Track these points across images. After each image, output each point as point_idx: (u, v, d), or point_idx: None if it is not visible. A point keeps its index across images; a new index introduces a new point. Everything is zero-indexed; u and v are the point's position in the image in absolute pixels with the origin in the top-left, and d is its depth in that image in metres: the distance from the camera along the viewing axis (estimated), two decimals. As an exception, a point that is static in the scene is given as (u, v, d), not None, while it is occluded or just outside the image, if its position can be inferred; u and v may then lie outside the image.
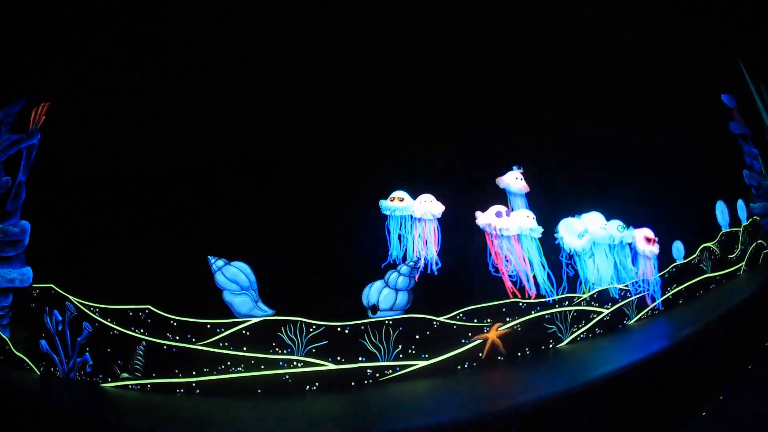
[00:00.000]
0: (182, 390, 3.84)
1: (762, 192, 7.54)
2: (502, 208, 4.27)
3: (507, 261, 4.13)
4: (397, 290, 4.08)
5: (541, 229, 4.41)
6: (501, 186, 4.58)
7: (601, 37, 5.73)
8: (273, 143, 4.12)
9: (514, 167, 4.59)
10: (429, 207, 4.16)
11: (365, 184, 4.20)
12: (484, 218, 4.26)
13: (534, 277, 4.33)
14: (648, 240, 4.80)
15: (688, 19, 7.08)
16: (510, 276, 4.20)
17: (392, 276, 4.10)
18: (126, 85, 4.40)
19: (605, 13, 5.90)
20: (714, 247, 6.11)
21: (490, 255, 4.23)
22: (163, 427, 3.35)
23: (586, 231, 4.31)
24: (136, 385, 3.93)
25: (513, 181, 4.55)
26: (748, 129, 7.57)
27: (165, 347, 3.90)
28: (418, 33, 4.63)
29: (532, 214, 4.43)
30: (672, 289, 5.40)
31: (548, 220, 4.62)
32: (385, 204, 4.20)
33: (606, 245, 4.64)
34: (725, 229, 6.40)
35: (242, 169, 4.09)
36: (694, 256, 5.82)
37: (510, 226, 4.17)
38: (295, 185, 4.13)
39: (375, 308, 4.05)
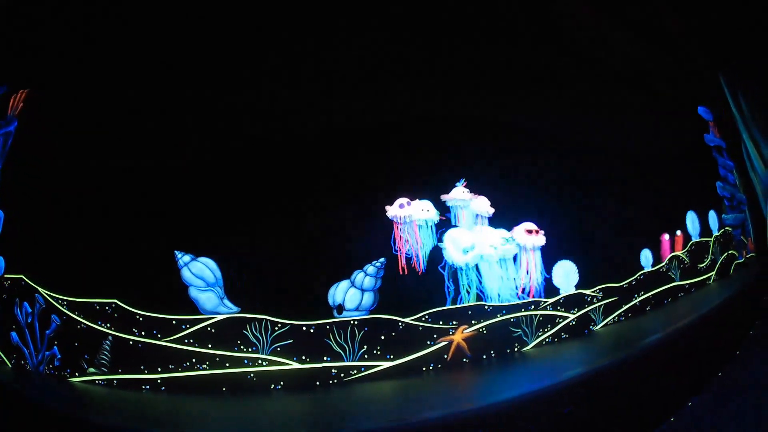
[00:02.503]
0: (147, 386, 3.82)
1: (735, 204, 7.69)
2: (404, 200, 4.61)
3: (406, 242, 4.52)
4: (363, 290, 4.12)
5: (436, 218, 4.66)
6: (448, 202, 4.76)
7: (580, 45, 5.82)
8: (242, 142, 4.14)
9: (458, 182, 4.80)
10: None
11: (333, 184, 4.23)
12: (391, 210, 4.59)
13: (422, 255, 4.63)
14: (529, 232, 4.77)
15: (668, 31, 7.20)
16: (407, 254, 4.53)
17: (358, 276, 4.14)
18: (103, 79, 4.38)
19: (585, 21, 5.98)
20: (683, 256, 6.23)
21: (395, 239, 4.55)
22: (128, 424, 3.32)
23: (473, 247, 4.43)
24: (102, 380, 3.91)
25: (460, 194, 4.74)
26: (723, 142, 7.73)
27: (131, 342, 3.87)
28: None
29: (430, 206, 4.67)
30: (639, 296, 5.50)
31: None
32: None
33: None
34: (695, 239, 6.53)
35: (211, 167, 4.11)
36: (663, 264, 5.93)
37: (411, 213, 4.57)
38: (262, 184, 4.15)
39: (341, 308, 4.08)
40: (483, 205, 4.81)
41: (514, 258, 4.74)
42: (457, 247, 4.49)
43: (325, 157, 4.36)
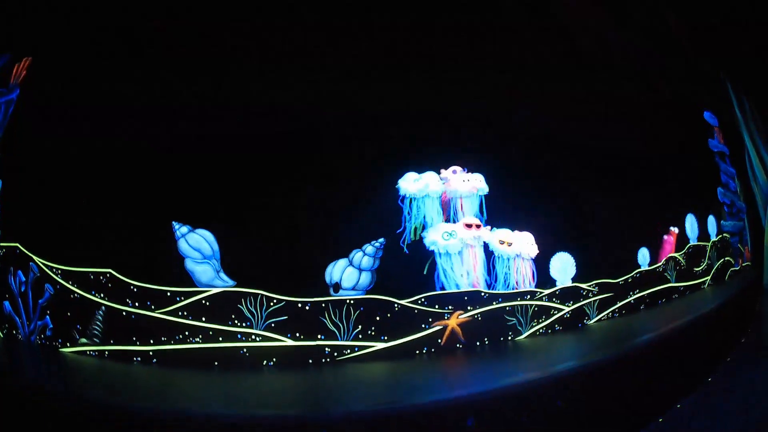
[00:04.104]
0: (139, 358, 3.80)
1: (735, 211, 7.74)
2: (457, 168, 4.77)
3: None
4: (360, 270, 4.10)
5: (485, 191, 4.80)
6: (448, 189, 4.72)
7: (586, 43, 5.82)
8: (244, 114, 4.12)
9: (456, 170, 4.76)
10: None
11: (336, 160, 4.22)
12: (445, 173, 4.74)
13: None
14: (468, 226, 4.58)
15: (676, 36, 7.21)
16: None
17: (357, 255, 4.12)
18: (104, 49, 4.34)
19: (591, 21, 5.99)
20: (680, 258, 6.26)
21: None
22: (118, 397, 3.26)
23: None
24: (93, 351, 3.88)
25: (460, 183, 4.69)
26: (727, 148, 7.76)
27: (124, 313, 3.84)
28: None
29: (480, 177, 4.82)
30: (634, 294, 5.52)
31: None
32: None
33: None
34: (693, 242, 6.57)
35: (211, 138, 4.08)
36: (660, 264, 5.95)
37: (465, 181, 4.73)
38: (264, 157, 4.12)
39: (337, 286, 4.06)
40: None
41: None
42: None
43: (333, 136, 4.34)
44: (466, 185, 4.65)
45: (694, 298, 6.19)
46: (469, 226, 4.56)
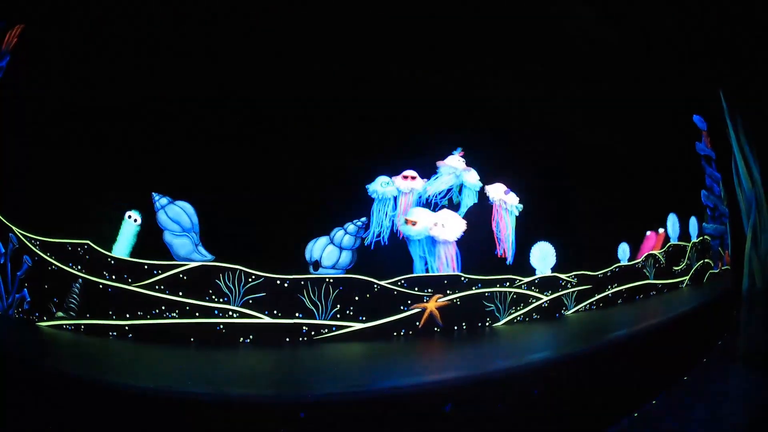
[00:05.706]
0: (114, 333, 3.75)
1: (717, 215, 7.84)
2: (505, 188, 4.98)
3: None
4: (341, 249, 4.09)
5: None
6: (442, 169, 4.71)
7: (583, 42, 5.86)
8: (230, 84, 4.08)
9: (455, 151, 4.78)
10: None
11: (318, 136, 4.20)
12: (494, 191, 4.92)
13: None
14: (405, 177, 4.54)
15: (674, 37, 7.25)
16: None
17: (338, 234, 4.11)
18: (91, 19, 4.29)
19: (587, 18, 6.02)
20: (660, 256, 6.34)
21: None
22: (92, 372, 3.20)
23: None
24: (70, 325, 3.83)
25: (456, 162, 4.71)
26: (713, 152, 7.86)
27: (101, 286, 3.80)
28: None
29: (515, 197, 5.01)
30: (612, 288, 5.59)
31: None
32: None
33: None
34: (674, 241, 6.66)
35: (196, 108, 4.03)
36: (639, 261, 6.03)
37: (511, 199, 4.96)
38: (248, 130, 4.10)
39: (317, 264, 4.05)
40: (473, 177, 4.80)
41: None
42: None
43: (330, 113, 4.31)
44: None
45: (672, 297, 6.25)
46: (405, 177, 4.60)
